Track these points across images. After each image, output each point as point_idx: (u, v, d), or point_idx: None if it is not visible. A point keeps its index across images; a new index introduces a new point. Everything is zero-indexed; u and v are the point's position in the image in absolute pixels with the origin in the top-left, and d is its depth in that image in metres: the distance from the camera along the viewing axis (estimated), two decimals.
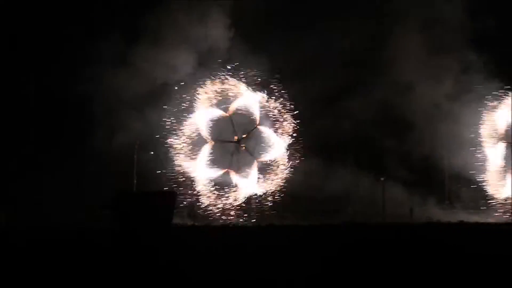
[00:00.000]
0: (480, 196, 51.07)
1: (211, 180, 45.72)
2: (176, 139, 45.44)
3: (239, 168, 46.27)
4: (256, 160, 46.56)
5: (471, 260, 27.37)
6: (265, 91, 46.70)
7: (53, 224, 37.23)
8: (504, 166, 50.52)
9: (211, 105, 45.93)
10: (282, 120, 47.12)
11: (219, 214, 45.46)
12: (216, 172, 45.82)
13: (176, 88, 45.71)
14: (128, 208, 40.20)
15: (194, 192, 45.32)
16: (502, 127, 50.82)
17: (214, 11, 47.17)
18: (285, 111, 47.07)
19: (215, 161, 45.97)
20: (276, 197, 46.78)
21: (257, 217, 46.18)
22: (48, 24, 46.66)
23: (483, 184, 50.62)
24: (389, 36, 52.51)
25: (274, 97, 46.94)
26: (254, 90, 46.61)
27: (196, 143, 45.79)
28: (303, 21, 50.67)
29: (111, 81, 45.13)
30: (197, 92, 45.65)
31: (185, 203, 45.28)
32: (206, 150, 45.81)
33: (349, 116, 51.80)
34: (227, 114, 46.21)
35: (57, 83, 45.81)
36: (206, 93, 45.64)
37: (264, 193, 46.49)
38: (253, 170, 46.40)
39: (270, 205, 46.71)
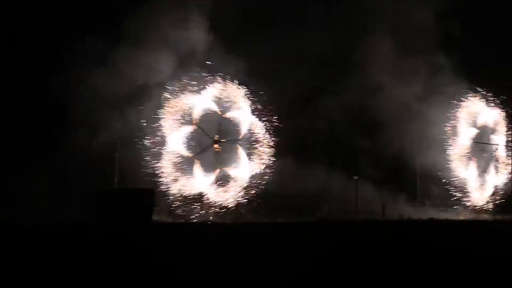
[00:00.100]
0: (449, 194, 52.19)
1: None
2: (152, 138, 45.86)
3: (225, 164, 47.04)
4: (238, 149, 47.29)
5: (442, 257, 28.37)
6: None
7: (35, 222, 37.05)
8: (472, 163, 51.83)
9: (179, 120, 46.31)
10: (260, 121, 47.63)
11: (198, 211, 46.04)
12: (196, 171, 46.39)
13: (156, 89, 46.02)
14: (109, 205, 40.43)
15: (173, 190, 45.67)
16: (469, 127, 52.00)
17: (194, 13, 47.57)
18: (262, 112, 47.56)
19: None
20: (252, 196, 47.32)
21: (234, 215, 46.64)
22: (29, 25, 46.71)
23: (452, 182, 51.76)
24: (361, 38, 53.40)
25: (250, 97, 47.47)
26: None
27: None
28: (280, 24, 51.38)
29: (92, 81, 45.41)
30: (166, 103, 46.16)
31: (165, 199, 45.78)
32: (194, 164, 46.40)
33: (323, 117, 52.48)
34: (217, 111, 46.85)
35: (39, 84, 45.72)
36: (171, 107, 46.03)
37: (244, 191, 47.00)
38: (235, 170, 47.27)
39: (246, 204, 47.28)
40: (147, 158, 45.41)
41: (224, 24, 48.05)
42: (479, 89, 52.29)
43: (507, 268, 26.01)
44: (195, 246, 31.00)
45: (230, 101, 47.07)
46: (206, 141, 46.61)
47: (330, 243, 32.74)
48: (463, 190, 51.69)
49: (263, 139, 47.63)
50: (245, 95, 47.27)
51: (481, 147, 51.92)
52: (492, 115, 52.77)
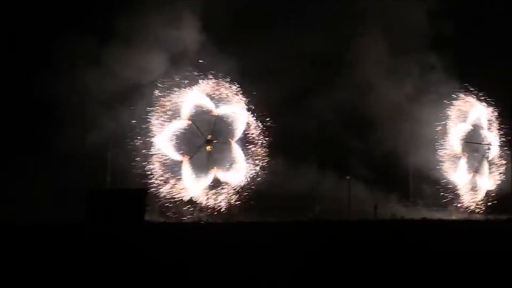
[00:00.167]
0: (442, 194, 52.30)
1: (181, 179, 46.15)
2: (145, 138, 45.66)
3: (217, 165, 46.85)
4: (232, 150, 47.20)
5: (434, 256, 28.41)
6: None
7: (27, 222, 36.93)
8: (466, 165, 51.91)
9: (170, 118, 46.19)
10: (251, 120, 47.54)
11: (191, 211, 45.88)
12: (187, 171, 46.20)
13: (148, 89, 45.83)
14: (100, 205, 40.32)
15: (165, 189, 45.52)
16: (461, 127, 52.11)
17: (185, 12, 47.48)
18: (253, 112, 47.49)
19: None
20: (244, 195, 47.31)
21: (226, 215, 46.52)
22: (20, 24, 46.63)
23: (444, 182, 51.86)
24: (353, 38, 53.48)
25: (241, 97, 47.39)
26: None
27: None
28: (271, 23, 51.39)
29: (83, 81, 45.30)
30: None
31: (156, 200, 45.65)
32: (184, 166, 46.15)
33: (315, 117, 52.55)
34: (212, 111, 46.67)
35: (31, 84, 45.59)
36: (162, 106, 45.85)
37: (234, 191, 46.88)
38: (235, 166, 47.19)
39: (239, 203, 47.22)
40: (139, 158, 45.27)
41: (216, 23, 48.02)
42: (471, 89, 52.27)
43: (500, 267, 26.05)
44: (187, 246, 30.83)
45: (222, 101, 46.94)
46: (197, 142, 46.46)
47: (323, 243, 32.57)
48: (455, 190, 51.73)
49: (257, 140, 47.51)
50: (237, 94, 47.11)
51: (473, 147, 51.96)
52: (484, 115, 52.76)
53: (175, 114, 45.87)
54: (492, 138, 52.13)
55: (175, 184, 45.63)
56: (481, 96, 52.47)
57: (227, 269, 25.14)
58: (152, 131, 45.29)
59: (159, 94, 45.60)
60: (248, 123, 47.64)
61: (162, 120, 45.44)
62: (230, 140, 47.13)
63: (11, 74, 45.72)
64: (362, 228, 41.51)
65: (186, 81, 46.06)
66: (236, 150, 47.26)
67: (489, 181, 51.59)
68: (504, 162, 53.19)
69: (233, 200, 46.89)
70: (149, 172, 45.21)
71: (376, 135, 52.91)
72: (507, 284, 24.04)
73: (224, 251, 29.12)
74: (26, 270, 24.73)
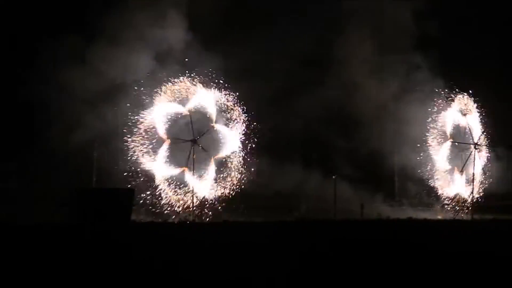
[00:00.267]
0: (427, 194, 52.47)
1: (168, 178, 45.87)
2: (130, 137, 45.35)
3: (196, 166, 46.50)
4: (212, 158, 46.78)
5: (421, 256, 28.23)
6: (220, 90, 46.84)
7: (13, 222, 36.70)
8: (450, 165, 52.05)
9: (170, 101, 45.93)
10: (236, 119, 47.34)
11: (176, 211, 45.65)
12: (173, 171, 45.94)
13: (134, 87, 45.55)
14: (86, 205, 40.13)
15: (152, 189, 45.25)
16: (449, 126, 52.23)
17: (171, 12, 47.30)
18: (238, 111, 47.30)
19: (172, 160, 46.07)
20: (230, 195, 47.20)
21: (212, 214, 46.43)
22: (2, 23, 46.26)
23: (430, 182, 52.02)
24: (338, 38, 53.58)
25: (228, 97, 47.16)
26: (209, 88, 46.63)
27: (152, 141, 45.70)
28: (256, 22, 51.34)
29: (68, 80, 45.00)
30: (156, 90, 45.51)
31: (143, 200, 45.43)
32: (163, 149, 45.77)
33: (299, 116, 52.60)
34: (187, 112, 46.25)
35: (15, 84, 45.37)
36: (164, 92, 45.48)
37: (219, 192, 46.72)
38: (210, 168, 46.78)
39: (224, 203, 47.11)
40: (125, 157, 45.13)
41: (202, 22, 47.94)
42: (457, 89, 52.38)
43: (486, 267, 26.02)
44: (173, 245, 30.67)
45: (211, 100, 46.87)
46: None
47: (312, 242, 32.61)
48: (440, 189, 51.88)
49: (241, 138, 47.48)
50: (222, 93, 46.96)
51: (458, 147, 52.08)
52: (470, 115, 52.88)
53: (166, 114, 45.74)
54: (478, 138, 52.13)
55: (164, 181, 45.51)
56: (467, 95, 52.46)
57: (216, 269, 24.73)
58: (140, 129, 45.09)
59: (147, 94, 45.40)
60: (232, 123, 47.36)
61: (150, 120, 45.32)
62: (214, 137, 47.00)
63: None
64: (349, 227, 41.42)
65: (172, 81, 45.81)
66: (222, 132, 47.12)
67: (475, 181, 51.60)
68: (489, 162, 53.33)
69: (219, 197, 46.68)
70: (136, 171, 44.94)
71: (361, 134, 53.05)
72: (492, 284, 23.95)
73: (212, 251, 28.78)
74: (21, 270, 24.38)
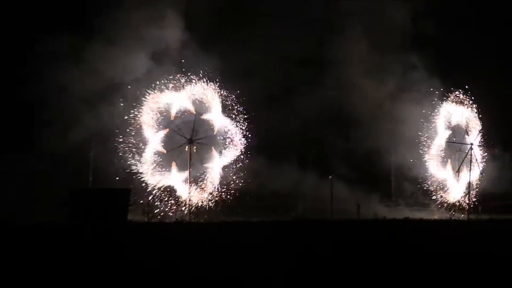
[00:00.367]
0: (423, 194, 52.49)
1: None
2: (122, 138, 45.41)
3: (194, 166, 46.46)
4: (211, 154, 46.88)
5: (418, 256, 28.32)
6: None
7: (11, 222, 36.62)
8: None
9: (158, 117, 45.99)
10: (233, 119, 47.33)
11: (173, 211, 45.61)
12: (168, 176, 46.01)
13: (129, 87, 45.49)
14: (83, 205, 40.08)
15: (148, 189, 45.24)
16: (443, 126, 52.23)
17: (168, 12, 47.24)
18: (236, 111, 47.25)
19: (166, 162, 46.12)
20: (227, 195, 47.20)
21: (209, 214, 46.37)
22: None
23: (426, 182, 52.01)
24: (335, 38, 53.57)
25: (225, 97, 47.12)
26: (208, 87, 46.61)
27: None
28: (252, 22, 51.32)
29: (64, 80, 44.92)
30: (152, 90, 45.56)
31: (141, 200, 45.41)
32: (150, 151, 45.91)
33: (296, 116, 52.62)
34: (193, 112, 46.32)
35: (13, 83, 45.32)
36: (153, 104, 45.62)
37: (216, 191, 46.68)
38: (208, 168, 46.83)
39: (221, 203, 47.10)
40: (122, 157, 45.07)
41: (200, 22, 47.91)
42: (453, 88, 52.41)
43: (482, 267, 26.05)
44: (170, 245, 30.69)
45: (204, 100, 46.70)
46: (180, 142, 46.15)
47: (307, 242, 32.58)
48: (437, 189, 51.86)
49: (238, 139, 47.37)
50: (219, 93, 46.84)
51: (455, 147, 52.07)
52: (466, 114, 52.88)
53: (159, 114, 45.57)
54: (475, 138, 52.09)
55: (160, 181, 45.40)
56: (464, 95, 52.48)
57: (213, 269, 24.82)
58: (134, 130, 44.96)
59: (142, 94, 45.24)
60: (229, 123, 47.27)
61: (146, 118, 45.17)
62: (211, 138, 46.83)
63: None
64: (346, 227, 41.39)
65: (170, 80, 45.71)
66: (218, 149, 46.90)
67: (471, 181, 51.60)
68: (486, 162, 53.36)
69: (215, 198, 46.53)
70: (133, 171, 44.88)
71: (357, 134, 53.07)
72: (488, 284, 23.97)
73: (209, 251, 28.84)
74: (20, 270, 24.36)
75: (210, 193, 46.64)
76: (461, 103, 52.57)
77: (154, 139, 45.53)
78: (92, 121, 45.33)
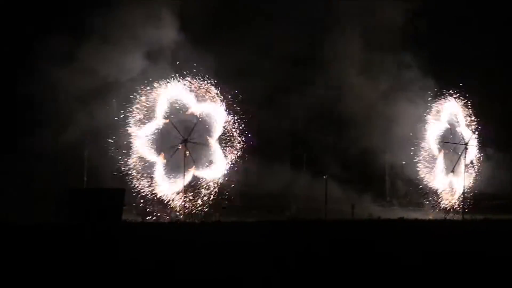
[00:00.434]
0: (418, 194, 52.57)
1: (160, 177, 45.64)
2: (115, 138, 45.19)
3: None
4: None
5: (413, 256, 28.52)
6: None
7: (4, 223, 36.49)
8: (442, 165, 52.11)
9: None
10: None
11: (167, 210, 45.52)
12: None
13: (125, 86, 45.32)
14: (78, 205, 39.97)
15: (143, 189, 45.08)
16: (438, 126, 52.32)
17: (162, 11, 47.13)
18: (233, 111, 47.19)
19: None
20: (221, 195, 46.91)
21: (203, 214, 46.14)
22: None
23: (420, 182, 52.06)
24: (327, 37, 53.61)
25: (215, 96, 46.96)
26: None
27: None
28: (246, 22, 51.32)
29: (58, 79, 44.76)
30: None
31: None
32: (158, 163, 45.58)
33: (289, 116, 52.67)
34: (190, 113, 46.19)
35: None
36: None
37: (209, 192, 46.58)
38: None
39: (215, 203, 46.76)
40: (115, 156, 44.84)
41: (195, 21, 47.86)
42: (447, 88, 52.48)
43: (477, 267, 26.21)
44: (166, 245, 30.68)
45: (199, 99, 46.59)
46: (174, 141, 45.96)
47: (302, 242, 32.73)
48: (431, 189, 51.94)
49: (234, 139, 47.30)
50: (216, 93, 46.73)
51: (449, 147, 52.14)
52: (461, 114, 52.98)
53: (152, 113, 45.37)
54: (469, 137, 52.16)
55: (152, 183, 45.26)
56: (458, 95, 52.57)
57: (210, 268, 25.01)
58: (128, 130, 44.79)
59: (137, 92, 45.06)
60: (225, 123, 47.14)
61: (139, 119, 44.98)
62: (207, 138, 46.64)
63: None
64: (341, 227, 41.46)
65: (163, 80, 45.50)
66: (214, 149, 46.75)
67: (465, 181, 51.68)
68: (480, 162, 53.47)
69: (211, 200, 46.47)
70: (127, 171, 44.73)
71: (351, 134, 53.13)
72: (483, 284, 24.09)
73: (205, 250, 28.92)
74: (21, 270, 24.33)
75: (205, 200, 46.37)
76: (456, 102, 52.56)
77: (142, 141, 45.18)
78: (86, 120, 45.07)
